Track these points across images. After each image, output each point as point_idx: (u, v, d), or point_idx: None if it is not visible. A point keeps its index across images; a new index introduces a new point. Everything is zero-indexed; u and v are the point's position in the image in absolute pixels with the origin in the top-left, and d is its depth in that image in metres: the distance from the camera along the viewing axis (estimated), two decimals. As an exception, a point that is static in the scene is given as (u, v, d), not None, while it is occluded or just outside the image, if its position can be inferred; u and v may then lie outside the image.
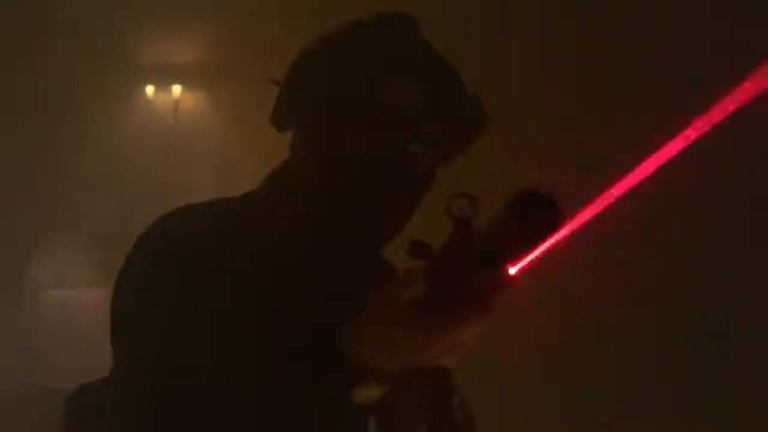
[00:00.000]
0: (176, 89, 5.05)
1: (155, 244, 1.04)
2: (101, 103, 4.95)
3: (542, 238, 0.72)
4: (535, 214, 0.72)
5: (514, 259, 0.75)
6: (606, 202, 0.77)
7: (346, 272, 1.08)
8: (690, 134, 0.72)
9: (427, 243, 0.82)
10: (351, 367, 0.81)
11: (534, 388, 3.43)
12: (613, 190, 0.77)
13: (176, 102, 5.06)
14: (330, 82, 1.05)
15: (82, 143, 4.90)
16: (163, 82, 5.04)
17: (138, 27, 4.78)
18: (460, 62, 1.08)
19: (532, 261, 0.75)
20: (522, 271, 0.76)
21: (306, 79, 1.07)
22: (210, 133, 5.00)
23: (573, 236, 0.74)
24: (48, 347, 4.59)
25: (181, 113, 5.06)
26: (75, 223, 4.93)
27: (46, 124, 4.78)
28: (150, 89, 5.06)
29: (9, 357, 4.46)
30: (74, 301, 4.90)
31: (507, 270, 0.76)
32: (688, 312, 3.30)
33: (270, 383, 0.86)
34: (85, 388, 1.20)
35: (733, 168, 3.24)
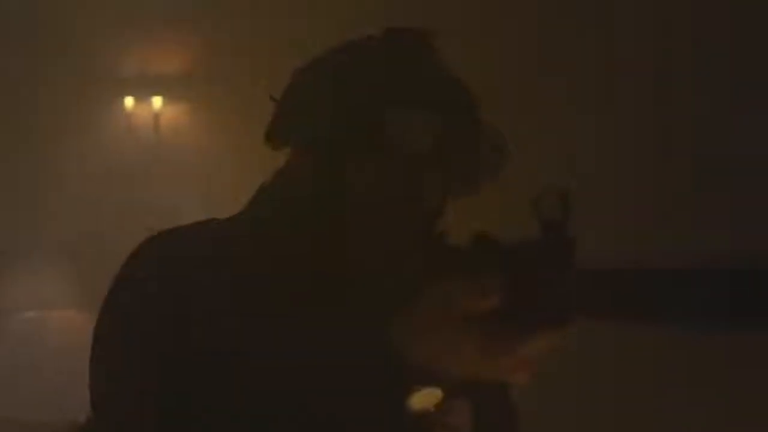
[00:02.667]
0: (156, 101, 5.02)
1: (146, 269, 1.00)
2: (77, 117, 4.91)
3: None
4: None
5: None
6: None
7: (351, 301, 1.04)
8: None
9: (494, 238, 0.79)
10: (410, 370, 0.79)
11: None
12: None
13: (157, 115, 5.04)
14: (334, 106, 1.02)
15: (57, 159, 4.87)
16: (143, 93, 5.03)
17: (116, 36, 4.76)
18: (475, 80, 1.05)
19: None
20: None
21: (308, 100, 1.04)
22: (192, 148, 4.97)
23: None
24: (21, 370, 4.55)
25: (162, 126, 5.04)
26: (49, 241, 4.89)
27: (19, 138, 4.75)
28: (129, 101, 5.03)
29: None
30: (47, 323, 4.86)
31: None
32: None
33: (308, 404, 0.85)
34: None
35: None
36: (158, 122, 5.02)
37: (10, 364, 4.61)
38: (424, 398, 0.80)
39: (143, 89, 5.01)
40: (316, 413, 0.84)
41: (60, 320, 4.81)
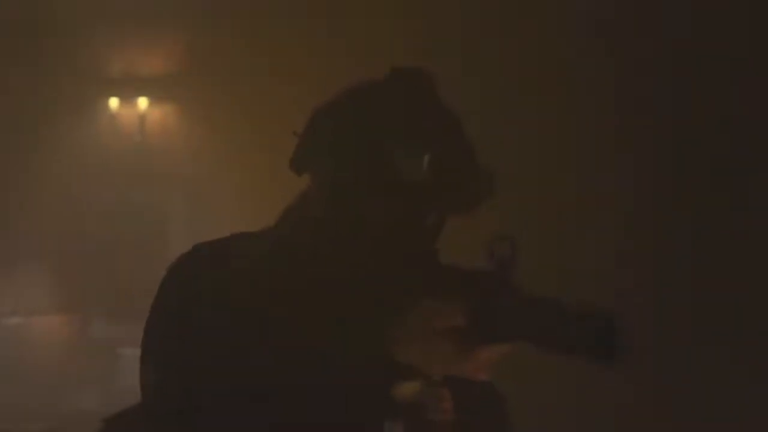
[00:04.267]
0: (142, 102, 5.04)
1: (187, 285, 1.18)
2: (61, 118, 4.92)
3: None
4: None
5: None
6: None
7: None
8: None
9: (463, 270, 1.08)
10: (395, 364, 1.04)
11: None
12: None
13: (142, 116, 5.05)
14: (347, 141, 1.20)
15: (39, 162, 4.87)
16: (128, 94, 5.03)
17: (101, 36, 4.77)
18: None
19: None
20: None
21: (324, 136, 1.23)
22: (178, 149, 4.98)
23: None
24: (5, 377, 4.54)
25: (147, 128, 5.05)
26: (32, 247, 4.89)
27: (0, 140, 4.76)
28: (114, 102, 5.04)
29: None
30: (31, 328, 4.86)
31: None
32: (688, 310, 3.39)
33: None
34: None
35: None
36: (144, 123, 5.03)
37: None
38: (408, 389, 1.05)
39: (128, 90, 5.02)
40: (315, 400, 1.06)
41: (42, 325, 4.81)
